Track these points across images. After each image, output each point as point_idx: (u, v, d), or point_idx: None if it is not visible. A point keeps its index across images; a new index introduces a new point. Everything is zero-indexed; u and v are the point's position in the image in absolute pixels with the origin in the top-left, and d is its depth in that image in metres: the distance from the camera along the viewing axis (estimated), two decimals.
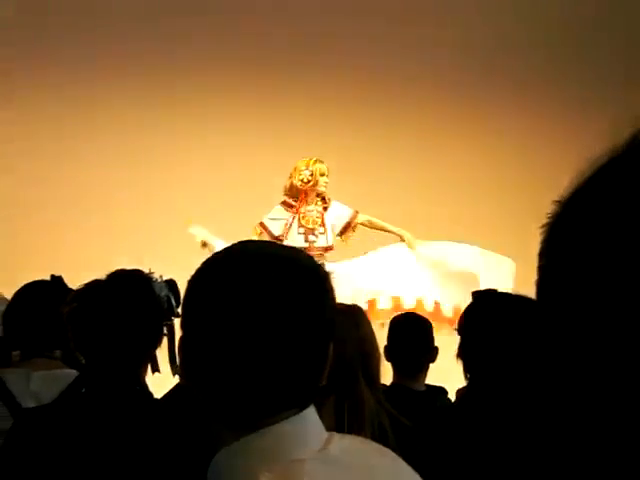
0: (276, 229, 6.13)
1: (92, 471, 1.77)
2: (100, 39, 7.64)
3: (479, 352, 2.24)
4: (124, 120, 7.69)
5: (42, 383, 2.54)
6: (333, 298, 1.13)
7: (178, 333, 1.22)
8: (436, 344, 3.48)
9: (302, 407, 1.09)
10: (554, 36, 8.02)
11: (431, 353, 3.46)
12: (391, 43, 7.93)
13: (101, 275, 2.05)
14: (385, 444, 1.30)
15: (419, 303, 5.75)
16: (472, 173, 8.05)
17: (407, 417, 2.45)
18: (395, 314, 3.83)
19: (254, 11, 7.86)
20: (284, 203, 6.22)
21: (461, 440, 2.15)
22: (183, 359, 1.14)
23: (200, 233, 5.91)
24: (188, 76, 7.76)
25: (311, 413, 1.10)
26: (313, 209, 6.14)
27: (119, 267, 2.09)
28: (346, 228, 6.27)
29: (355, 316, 2.49)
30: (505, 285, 4.56)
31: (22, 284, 2.80)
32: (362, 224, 6.32)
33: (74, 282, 2.18)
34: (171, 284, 2.14)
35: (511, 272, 5.64)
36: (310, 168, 6.09)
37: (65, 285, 2.69)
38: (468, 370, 2.30)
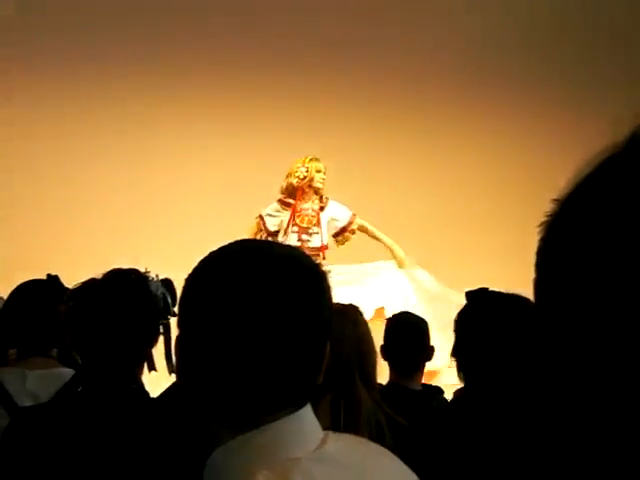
0: (272, 225, 6.12)
1: (89, 470, 1.77)
2: (100, 39, 7.63)
3: (474, 351, 2.24)
4: (123, 120, 7.68)
5: (39, 382, 2.54)
6: (330, 297, 1.13)
7: (174, 332, 1.22)
8: (432, 343, 3.48)
9: (298, 406, 1.09)
10: (552, 36, 8.01)
11: (427, 352, 3.46)
12: (390, 44, 7.92)
13: (98, 274, 2.04)
14: (382, 443, 1.30)
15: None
16: (471, 173, 8.05)
17: (403, 416, 2.45)
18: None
19: (255, 13, 7.85)
20: (280, 201, 6.21)
21: (457, 439, 2.15)
22: (179, 358, 1.14)
23: None
24: (188, 76, 7.75)
25: (307, 412, 1.10)
26: (309, 207, 6.12)
27: (116, 266, 2.09)
28: (343, 230, 6.25)
29: (352, 315, 2.49)
30: None
31: (19, 283, 2.80)
32: (358, 229, 6.30)
33: (71, 281, 2.18)
34: (167, 283, 2.14)
35: None
36: (306, 165, 6.10)
37: (61, 284, 2.69)
38: (462, 369, 2.30)
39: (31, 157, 7.46)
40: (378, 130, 8.04)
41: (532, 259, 0.60)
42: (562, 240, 0.57)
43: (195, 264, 1.12)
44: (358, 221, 6.27)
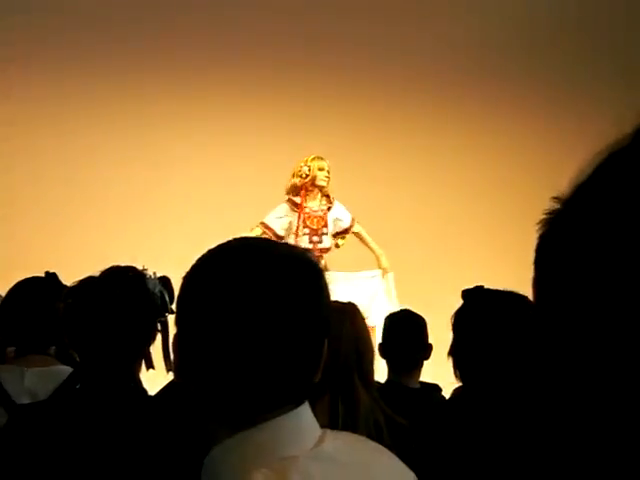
0: (280, 229, 6.08)
1: (87, 468, 1.77)
2: (99, 37, 7.62)
3: (471, 349, 2.24)
4: (123, 118, 7.67)
5: (37, 380, 2.54)
6: (328, 295, 1.13)
7: (172, 330, 1.22)
8: (430, 341, 3.48)
9: (296, 404, 1.09)
10: (551, 36, 8.01)
11: (426, 350, 3.46)
12: (391, 43, 7.92)
13: (96, 272, 2.04)
14: (380, 441, 1.30)
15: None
16: (471, 173, 8.05)
17: (402, 414, 2.45)
18: None
19: (256, 11, 7.84)
20: (289, 201, 6.20)
21: (456, 437, 2.15)
22: (177, 356, 1.14)
23: None
24: (187, 74, 7.75)
25: (305, 410, 1.10)
26: (317, 208, 6.13)
27: (114, 264, 2.09)
28: (345, 232, 6.26)
29: (350, 313, 2.48)
30: None
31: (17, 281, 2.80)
32: (354, 233, 6.33)
33: (70, 279, 2.17)
34: (165, 281, 2.14)
35: None
36: (308, 164, 6.11)
37: (59, 282, 2.69)
38: (459, 367, 2.30)
39: (30, 156, 7.46)
40: (378, 130, 8.04)
41: (531, 258, 0.60)
42: (563, 237, 0.56)
43: (193, 262, 1.12)
44: (357, 227, 6.30)
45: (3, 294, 2.86)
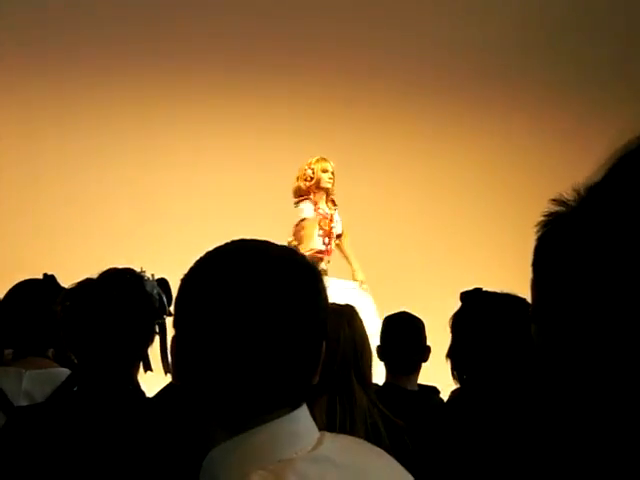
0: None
1: (85, 470, 1.76)
2: (100, 38, 7.62)
3: (469, 351, 2.25)
4: (122, 120, 7.67)
5: (34, 382, 2.54)
6: (326, 297, 1.12)
7: (170, 332, 1.22)
8: (428, 343, 3.48)
9: (294, 406, 1.09)
10: (547, 38, 8.02)
11: (424, 352, 3.45)
12: (390, 46, 7.93)
13: (94, 274, 2.04)
14: (378, 444, 1.30)
15: None
16: (467, 175, 8.05)
17: (400, 417, 2.45)
18: None
19: (258, 13, 7.84)
20: (311, 201, 6.13)
21: (454, 440, 2.15)
22: (175, 358, 1.14)
23: None
24: (189, 77, 7.74)
25: (303, 412, 1.10)
26: (328, 213, 6.11)
27: (112, 266, 2.09)
28: (338, 237, 6.22)
29: (348, 315, 2.48)
30: None
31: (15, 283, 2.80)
32: (340, 241, 6.29)
33: (68, 281, 2.17)
34: (163, 283, 2.14)
35: None
36: (312, 167, 6.06)
37: (57, 284, 2.69)
38: (457, 369, 2.30)
39: (29, 157, 7.45)
40: (375, 131, 8.04)
41: (529, 260, 0.60)
42: (566, 239, 0.56)
43: (190, 264, 1.12)
44: (345, 234, 6.27)
45: (1, 296, 2.85)
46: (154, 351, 2.12)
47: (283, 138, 7.61)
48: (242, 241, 1.16)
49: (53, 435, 1.82)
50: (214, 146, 7.78)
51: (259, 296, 1.05)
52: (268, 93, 7.82)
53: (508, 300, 2.22)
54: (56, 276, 2.75)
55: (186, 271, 1.12)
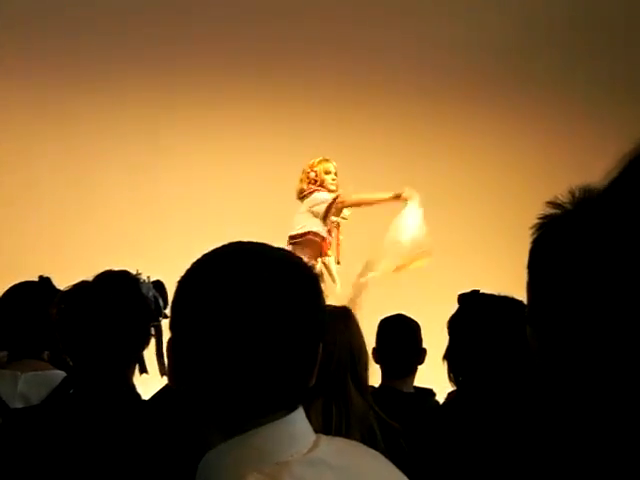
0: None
1: (80, 472, 1.76)
2: (103, 41, 7.61)
3: (466, 354, 2.25)
4: (124, 123, 7.66)
5: (30, 384, 2.53)
6: (323, 300, 1.12)
7: (166, 334, 1.22)
8: (425, 345, 3.48)
9: (291, 409, 1.09)
10: (544, 37, 8.02)
11: (419, 355, 3.46)
12: (389, 46, 7.93)
13: (90, 276, 2.04)
14: (374, 446, 1.30)
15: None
16: (463, 177, 8.05)
17: (395, 419, 2.45)
18: None
19: (264, 14, 7.83)
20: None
21: (450, 442, 2.15)
22: (171, 360, 1.13)
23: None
24: (190, 80, 7.73)
25: (300, 415, 1.10)
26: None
27: (107, 268, 2.09)
28: (327, 210, 5.96)
29: (344, 318, 2.48)
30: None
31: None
32: (350, 205, 6.09)
33: (66, 284, 2.17)
34: (158, 285, 2.14)
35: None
36: (315, 168, 5.98)
37: (53, 286, 2.68)
38: (453, 371, 2.30)
39: (29, 159, 7.44)
40: (374, 132, 8.03)
41: (525, 262, 0.60)
42: (556, 241, 0.56)
43: (187, 266, 1.12)
44: (346, 196, 5.97)
45: None
46: (150, 353, 2.12)
47: (283, 141, 7.59)
48: (239, 243, 1.15)
49: (49, 438, 1.82)
50: (215, 149, 7.77)
51: (256, 298, 1.05)
52: (269, 96, 7.81)
53: (506, 302, 2.23)
54: (54, 279, 2.74)
55: (183, 273, 1.12)
